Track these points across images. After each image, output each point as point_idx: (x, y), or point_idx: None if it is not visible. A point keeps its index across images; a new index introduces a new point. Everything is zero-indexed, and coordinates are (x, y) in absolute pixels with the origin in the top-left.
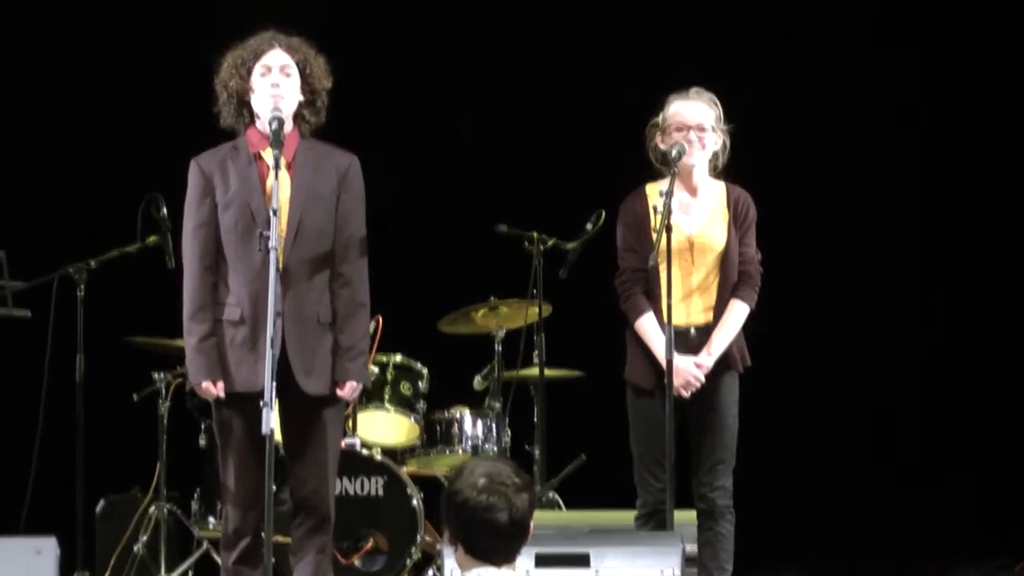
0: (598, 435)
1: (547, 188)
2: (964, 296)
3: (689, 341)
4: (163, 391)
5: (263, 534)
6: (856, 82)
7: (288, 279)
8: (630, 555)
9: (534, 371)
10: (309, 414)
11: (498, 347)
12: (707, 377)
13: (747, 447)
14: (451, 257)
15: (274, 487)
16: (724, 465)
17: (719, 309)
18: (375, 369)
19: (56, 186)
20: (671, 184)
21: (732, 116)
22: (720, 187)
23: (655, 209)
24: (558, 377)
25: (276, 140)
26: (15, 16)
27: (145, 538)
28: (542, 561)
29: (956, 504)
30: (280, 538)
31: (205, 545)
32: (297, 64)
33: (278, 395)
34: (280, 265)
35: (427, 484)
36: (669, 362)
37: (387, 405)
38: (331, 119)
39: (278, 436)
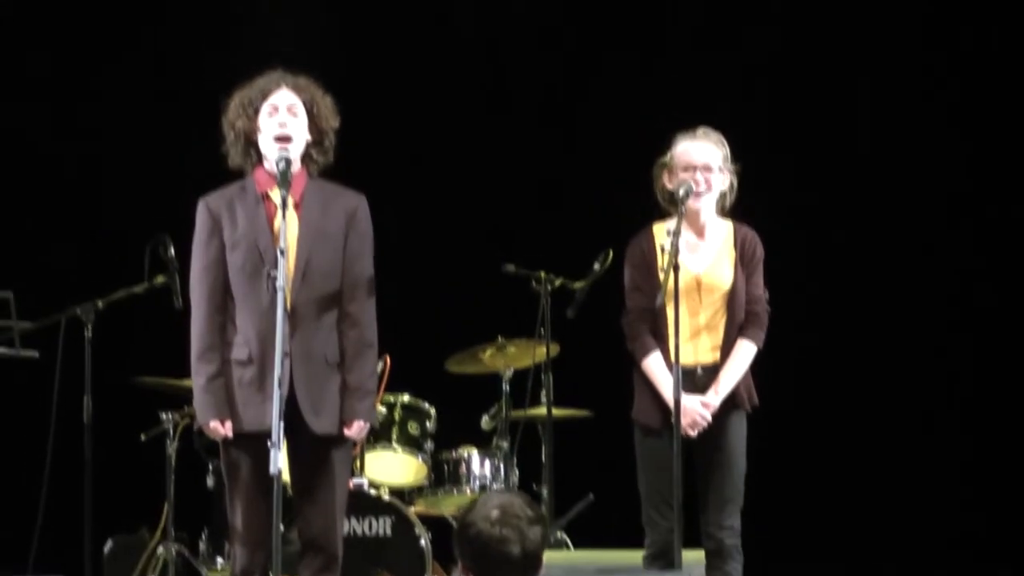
0: (606, 475)
1: (554, 227)
2: (979, 341)
3: (696, 380)
4: (171, 431)
5: (271, 574)
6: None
7: (296, 319)
8: None
9: (542, 411)
10: (317, 454)
11: (506, 387)
12: (714, 416)
13: (756, 487)
14: (458, 297)
15: (282, 527)
16: (732, 504)
17: (726, 348)
18: (383, 409)
19: (63, 226)
20: (678, 223)
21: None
22: (727, 226)
23: (662, 248)
24: (566, 417)
25: (284, 180)
26: (27, 51)
27: None
28: None
29: (969, 546)
30: None
31: None
32: (304, 104)
33: (286, 435)
34: (288, 305)
35: (435, 524)
36: (677, 401)
37: (395, 445)
38: (338, 158)
39: (286, 476)
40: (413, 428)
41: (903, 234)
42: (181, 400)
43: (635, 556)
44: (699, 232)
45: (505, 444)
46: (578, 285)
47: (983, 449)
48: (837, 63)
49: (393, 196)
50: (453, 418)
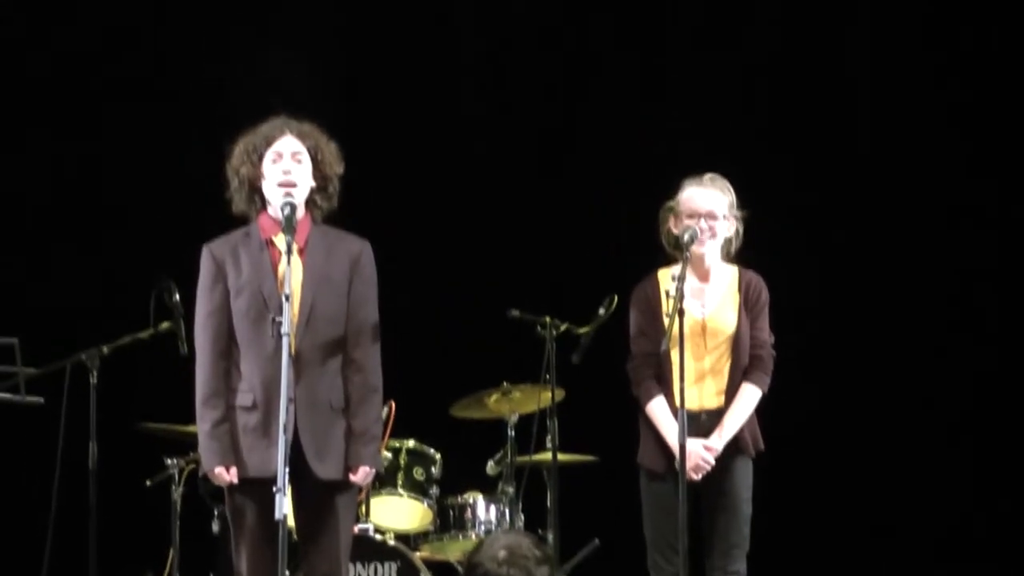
0: (611, 520)
1: (559, 273)
2: (984, 372)
3: (700, 425)
4: (176, 477)
5: None
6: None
7: (300, 364)
8: None
9: (547, 456)
10: (322, 499)
11: (511, 432)
12: (719, 461)
13: (761, 532)
14: (463, 342)
15: (287, 572)
16: (738, 549)
17: (731, 393)
18: (388, 454)
19: (68, 273)
20: (683, 269)
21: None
22: (732, 271)
23: (667, 294)
24: (571, 462)
25: (288, 226)
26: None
27: None
28: None
29: (971, 559)
30: None
31: None
32: (308, 150)
33: (291, 480)
34: (292, 350)
35: (440, 569)
36: (682, 446)
37: (400, 490)
38: (342, 203)
39: (291, 521)
40: (418, 473)
41: (903, 234)
42: (186, 446)
43: None
44: (703, 277)
45: (510, 489)
46: (583, 330)
47: (996, 490)
48: (837, 63)
49: (397, 242)
50: (458, 463)
